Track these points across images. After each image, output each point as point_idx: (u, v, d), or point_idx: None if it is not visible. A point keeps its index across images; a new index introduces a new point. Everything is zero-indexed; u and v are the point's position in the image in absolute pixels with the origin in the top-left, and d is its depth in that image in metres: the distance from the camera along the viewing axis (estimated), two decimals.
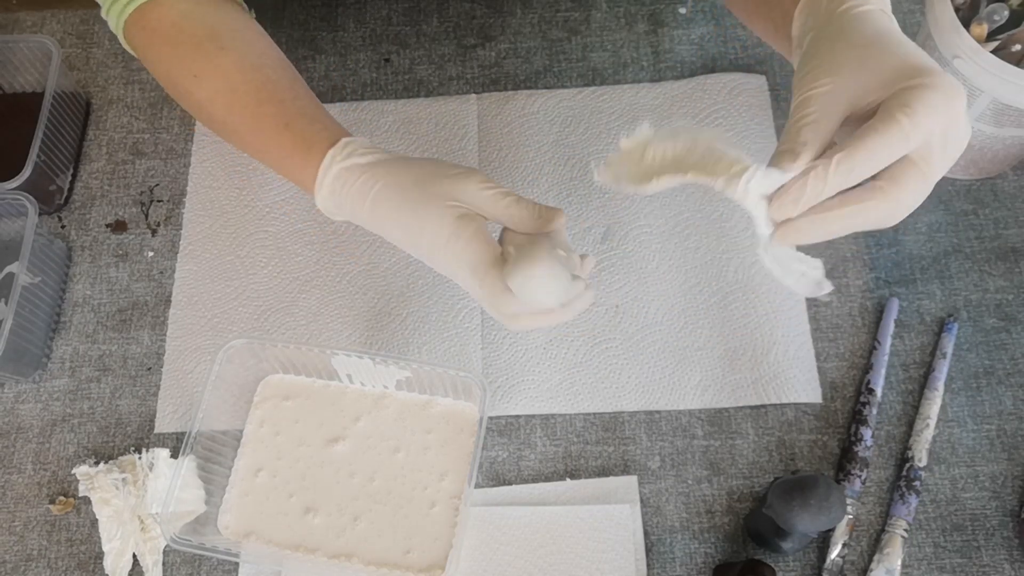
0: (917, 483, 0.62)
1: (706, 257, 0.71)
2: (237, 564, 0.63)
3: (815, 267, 0.50)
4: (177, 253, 0.74)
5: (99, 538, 0.64)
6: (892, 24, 0.51)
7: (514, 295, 0.52)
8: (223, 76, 0.62)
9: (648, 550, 0.62)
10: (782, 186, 0.46)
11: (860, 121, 0.47)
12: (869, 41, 0.48)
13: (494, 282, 0.53)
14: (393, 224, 0.57)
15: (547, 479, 0.65)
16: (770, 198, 0.47)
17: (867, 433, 0.64)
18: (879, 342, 0.67)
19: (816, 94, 0.47)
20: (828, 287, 0.50)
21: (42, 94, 0.73)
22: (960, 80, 0.63)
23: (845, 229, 0.48)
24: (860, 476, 0.63)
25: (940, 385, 0.65)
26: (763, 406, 0.66)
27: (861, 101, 0.47)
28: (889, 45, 0.48)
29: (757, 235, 0.49)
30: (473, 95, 0.79)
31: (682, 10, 0.81)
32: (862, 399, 0.65)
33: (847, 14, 0.50)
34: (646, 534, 0.63)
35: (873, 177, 0.47)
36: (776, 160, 0.47)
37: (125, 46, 0.66)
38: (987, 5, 0.63)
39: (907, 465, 0.63)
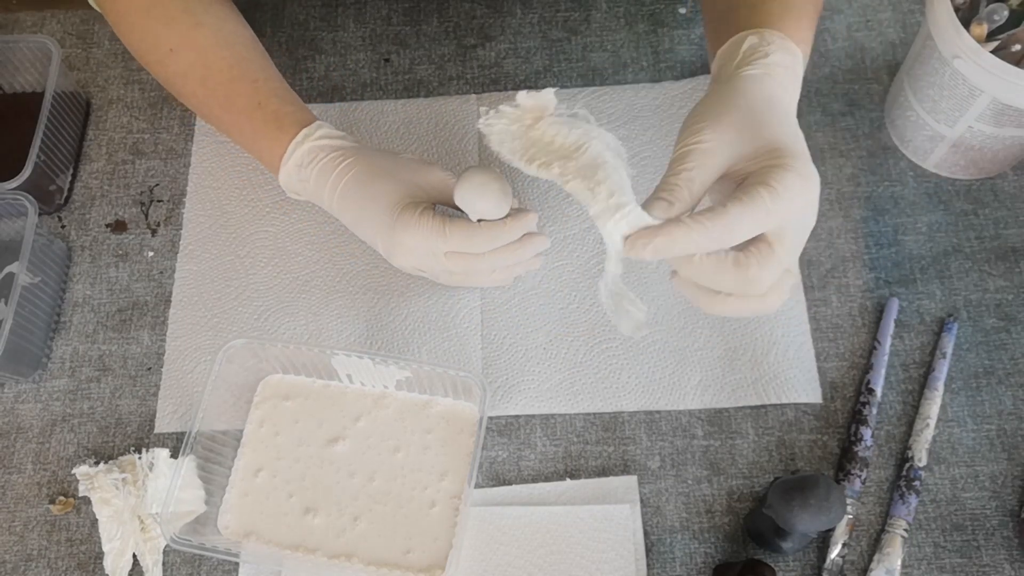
0: (917, 483, 0.62)
1: None
2: (237, 564, 0.63)
3: (640, 310, 0.51)
4: (177, 253, 0.74)
5: (99, 538, 0.64)
6: (785, 94, 0.53)
7: (453, 231, 0.58)
8: (198, 51, 0.64)
9: (648, 550, 0.62)
10: (643, 228, 0.47)
11: (733, 182, 0.50)
12: (754, 111, 0.51)
13: (431, 221, 0.58)
14: (350, 212, 0.62)
15: (547, 479, 0.65)
16: (626, 236, 0.48)
17: (867, 433, 0.64)
18: (879, 342, 0.67)
19: (696, 150, 0.49)
20: (646, 330, 0.53)
21: (42, 94, 0.73)
22: (960, 80, 0.63)
23: (703, 289, 0.50)
24: (860, 476, 0.63)
25: (940, 385, 0.65)
26: (763, 406, 0.66)
27: (735, 166, 0.49)
28: (771, 119, 0.51)
29: (604, 266, 0.50)
30: (473, 95, 0.79)
31: (682, 10, 0.81)
32: (862, 399, 0.65)
33: (745, 75, 0.53)
34: (646, 534, 0.63)
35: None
36: (649, 205, 0.48)
37: (94, 5, 0.67)
38: (987, 5, 0.63)
39: (907, 465, 0.63)
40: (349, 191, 0.60)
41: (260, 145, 0.64)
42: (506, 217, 0.60)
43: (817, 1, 0.60)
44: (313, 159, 0.61)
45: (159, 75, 0.67)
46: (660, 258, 0.47)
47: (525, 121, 0.51)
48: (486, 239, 0.59)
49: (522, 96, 0.50)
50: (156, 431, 0.68)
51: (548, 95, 0.50)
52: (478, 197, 0.58)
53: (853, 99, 0.76)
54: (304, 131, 0.62)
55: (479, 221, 0.60)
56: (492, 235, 0.59)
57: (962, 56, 0.62)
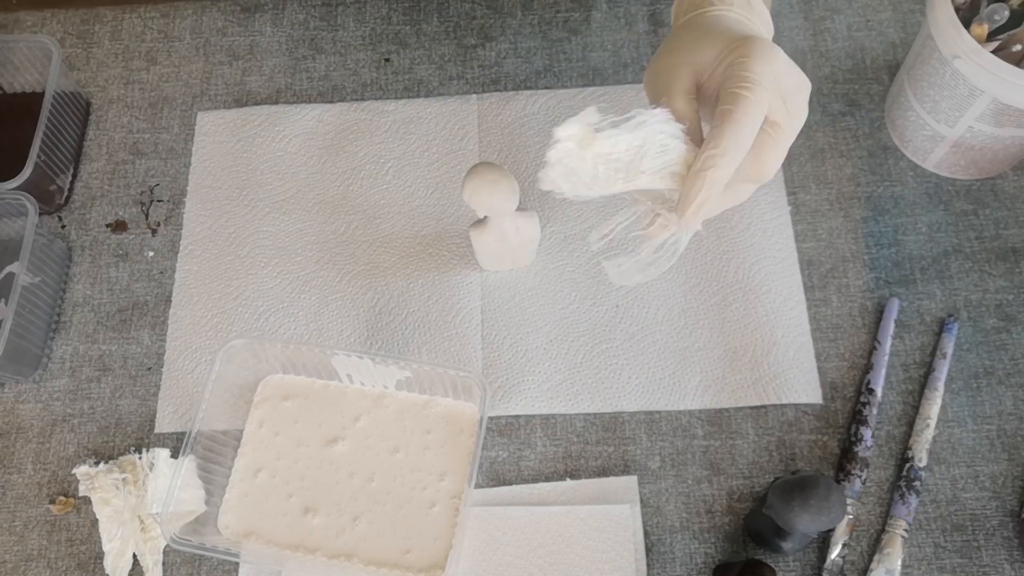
0: (917, 483, 0.62)
1: (706, 257, 0.71)
2: (237, 564, 0.63)
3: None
4: (177, 253, 0.74)
5: (99, 538, 0.64)
6: (747, 23, 0.53)
7: None
8: None
9: (648, 550, 0.62)
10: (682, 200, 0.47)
11: (710, 98, 0.50)
12: (707, 29, 0.51)
13: None
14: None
15: (547, 479, 0.65)
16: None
17: (867, 433, 0.64)
18: (879, 342, 0.67)
19: (657, 68, 0.51)
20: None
21: (42, 94, 0.73)
22: (960, 80, 0.63)
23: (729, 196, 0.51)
24: (860, 476, 0.63)
25: (940, 385, 0.65)
26: (763, 406, 0.66)
27: (702, 73, 0.49)
28: (724, 28, 0.51)
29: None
30: (474, 95, 0.79)
31: None
32: (862, 399, 0.65)
33: (702, 15, 0.53)
34: (646, 534, 0.63)
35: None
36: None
37: None
38: (987, 5, 0.63)
39: (907, 465, 0.63)
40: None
41: None
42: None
43: None
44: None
45: None
46: (712, 209, 0.49)
47: (575, 151, 0.46)
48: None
49: (563, 129, 0.45)
50: (156, 431, 0.68)
51: (590, 114, 0.45)
52: (488, 193, 0.59)
53: (853, 99, 0.76)
54: None
55: (485, 218, 0.61)
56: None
57: (962, 56, 0.62)
